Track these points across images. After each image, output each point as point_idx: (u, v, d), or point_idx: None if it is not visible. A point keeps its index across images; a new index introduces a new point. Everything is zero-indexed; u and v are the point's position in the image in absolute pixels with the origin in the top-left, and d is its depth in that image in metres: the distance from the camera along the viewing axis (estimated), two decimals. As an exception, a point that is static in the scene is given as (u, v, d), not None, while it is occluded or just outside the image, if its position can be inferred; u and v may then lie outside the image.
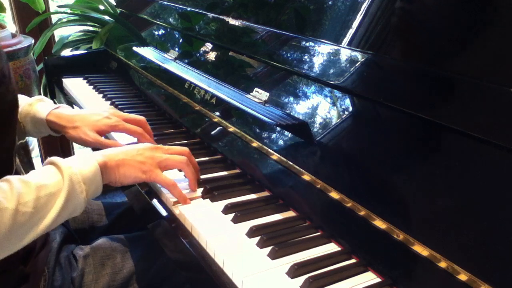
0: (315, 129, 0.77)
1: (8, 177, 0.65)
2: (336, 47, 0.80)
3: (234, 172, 0.90)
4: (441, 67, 0.64)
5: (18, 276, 0.78)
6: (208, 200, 0.78)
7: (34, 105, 0.94)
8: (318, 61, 0.83)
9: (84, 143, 0.92)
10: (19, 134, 0.85)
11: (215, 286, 0.62)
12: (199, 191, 0.81)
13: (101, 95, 1.31)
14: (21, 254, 0.77)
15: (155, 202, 0.80)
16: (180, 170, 0.85)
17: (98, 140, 0.91)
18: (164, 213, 0.77)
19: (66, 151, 2.27)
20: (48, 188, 0.66)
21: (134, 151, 0.78)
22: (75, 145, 2.29)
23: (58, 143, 2.23)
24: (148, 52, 1.35)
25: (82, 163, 0.71)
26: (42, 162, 2.26)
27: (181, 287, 0.90)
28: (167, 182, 0.77)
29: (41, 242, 0.84)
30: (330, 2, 0.84)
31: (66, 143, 2.25)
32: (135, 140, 0.95)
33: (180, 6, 1.33)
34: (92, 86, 1.37)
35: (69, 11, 2.02)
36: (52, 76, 1.49)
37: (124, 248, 0.91)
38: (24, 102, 0.95)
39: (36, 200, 0.64)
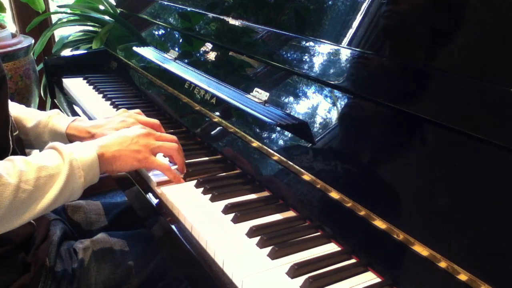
0: (315, 129, 0.77)
1: (12, 157, 0.69)
2: (336, 47, 0.80)
3: (234, 172, 0.90)
4: (442, 67, 0.64)
5: (20, 265, 0.80)
6: (208, 200, 0.78)
7: (53, 118, 0.97)
8: (318, 61, 0.83)
9: None
10: (14, 127, 0.86)
11: (215, 286, 0.62)
12: (199, 191, 0.81)
13: (101, 95, 1.31)
14: (21, 240, 0.80)
15: (153, 200, 0.80)
16: (165, 156, 0.91)
17: None
18: (164, 213, 0.77)
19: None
20: (49, 169, 0.69)
21: (128, 140, 0.81)
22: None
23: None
24: (148, 52, 1.35)
25: (83, 151, 0.74)
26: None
27: (180, 283, 0.90)
28: (162, 166, 0.82)
29: (42, 235, 0.86)
30: (330, 2, 0.84)
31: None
32: None
33: (180, 6, 1.33)
34: (92, 86, 1.37)
35: (69, 11, 2.02)
36: (52, 76, 1.49)
37: (123, 243, 0.92)
38: (43, 114, 0.98)
39: (36, 179, 0.67)
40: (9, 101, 0.89)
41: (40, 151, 0.76)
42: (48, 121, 0.96)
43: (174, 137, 0.88)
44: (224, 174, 0.89)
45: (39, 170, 0.68)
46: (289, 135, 0.81)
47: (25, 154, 0.93)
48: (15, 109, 0.99)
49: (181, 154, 0.87)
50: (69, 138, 0.95)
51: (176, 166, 0.87)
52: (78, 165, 0.72)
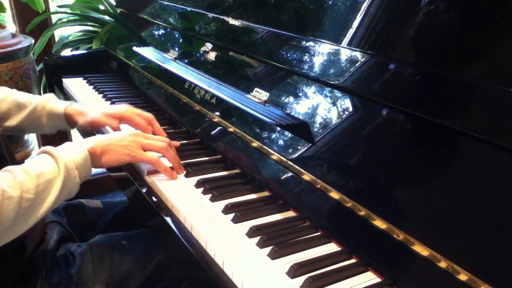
0: (315, 129, 0.77)
1: (9, 167, 0.72)
2: (336, 47, 0.80)
3: (234, 172, 0.90)
4: (441, 68, 0.64)
5: (16, 272, 0.80)
6: (208, 200, 0.78)
7: (49, 101, 1.03)
8: (318, 61, 0.83)
9: (94, 123, 0.99)
10: None
11: (215, 286, 0.62)
12: (199, 190, 0.81)
13: (101, 95, 1.31)
14: (11, 247, 0.80)
15: (153, 200, 0.80)
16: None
17: (105, 115, 0.98)
18: (164, 213, 0.77)
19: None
20: (46, 175, 0.72)
21: (118, 137, 0.85)
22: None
23: (57, 140, 2.22)
24: (148, 52, 1.35)
25: (75, 151, 0.77)
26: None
27: (180, 284, 0.90)
28: (151, 159, 0.84)
29: (37, 239, 0.86)
30: (330, 2, 0.84)
31: (65, 140, 2.25)
32: None
33: (180, 6, 1.33)
34: (92, 86, 1.37)
35: (69, 11, 2.02)
36: (52, 76, 1.50)
37: (122, 245, 0.91)
38: (40, 97, 1.04)
39: (36, 187, 0.70)
40: (6, 88, 0.93)
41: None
42: (45, 104, 1.01)
43: (164, 139, 0.90)
44: (224, 174, 0.89)
45: (38, 178, 0.71)
46: (289, 135, 0.81)
47: (11, 153, 0.92)
48: (15, 93, 1.04)
49: (172, 152, 0.88)
50: (67, 118, 1.01)
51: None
52: (72, 166, 0.75)
